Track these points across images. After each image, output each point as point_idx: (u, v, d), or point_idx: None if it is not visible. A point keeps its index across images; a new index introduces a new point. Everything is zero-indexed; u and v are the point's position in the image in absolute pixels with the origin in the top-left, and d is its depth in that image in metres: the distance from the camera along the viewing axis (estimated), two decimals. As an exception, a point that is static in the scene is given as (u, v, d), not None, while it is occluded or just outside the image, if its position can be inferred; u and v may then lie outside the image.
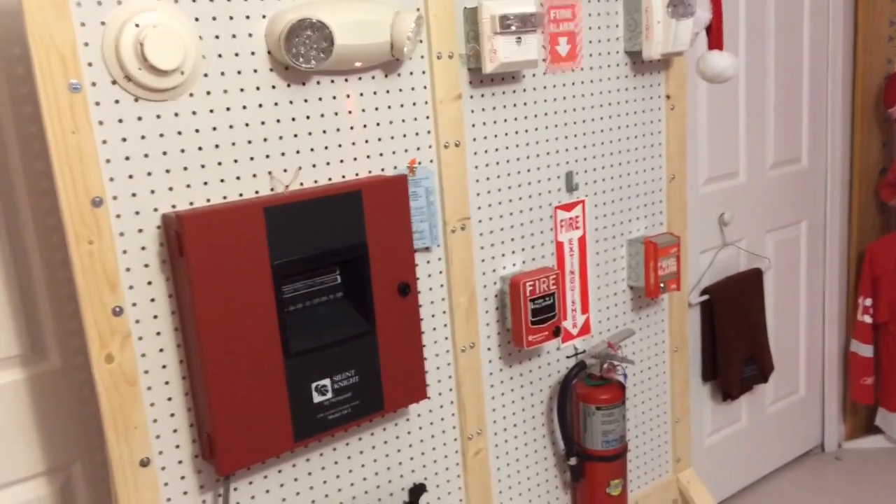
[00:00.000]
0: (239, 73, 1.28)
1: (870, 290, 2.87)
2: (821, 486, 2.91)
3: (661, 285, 1.83)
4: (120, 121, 1.18)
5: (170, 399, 1.28)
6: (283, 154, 1.34)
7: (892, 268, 2.84)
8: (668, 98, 1.88)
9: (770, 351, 2.70)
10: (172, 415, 1.28)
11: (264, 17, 1.29)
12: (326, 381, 1.36)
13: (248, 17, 1.27)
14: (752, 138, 2.59)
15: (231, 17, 1.26)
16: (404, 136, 1.48)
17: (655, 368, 2.00)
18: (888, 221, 3.02)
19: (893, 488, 2.85)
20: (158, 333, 1.25)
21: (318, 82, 1.36)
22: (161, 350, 1.26)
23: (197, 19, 1.22)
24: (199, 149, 1.25)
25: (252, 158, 1.31)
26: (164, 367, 1.26)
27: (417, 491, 1.59)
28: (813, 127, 2.79)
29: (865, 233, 2.96)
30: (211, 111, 1.26)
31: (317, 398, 1.35)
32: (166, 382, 1.27)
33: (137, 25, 1.16)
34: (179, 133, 1.23)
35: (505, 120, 1.62)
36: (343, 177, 1.41)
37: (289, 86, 1.33)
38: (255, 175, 1.31)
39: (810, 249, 2.89)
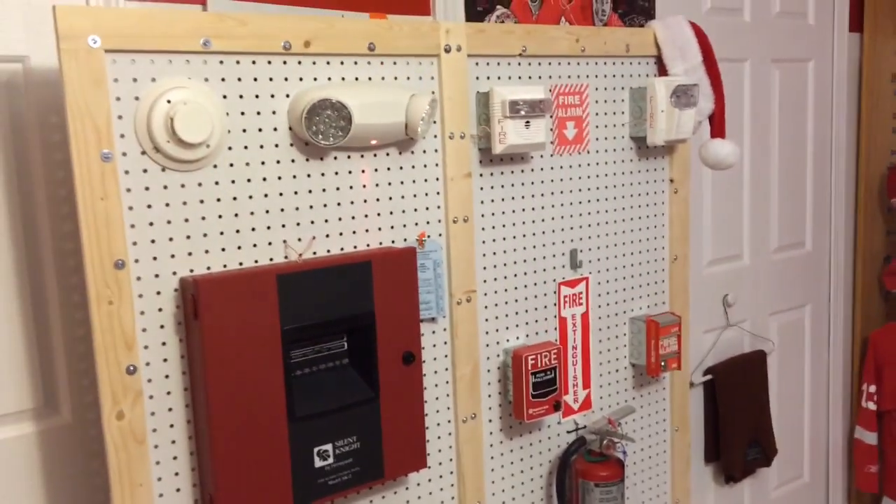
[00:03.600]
0: (261, 147, 1.35)
1: (873, 376, 2.88)
2: (825, 576, 2.87)
3: (662, 364, 1.86)
4: (147, 189, 1.25)
5: (175, 458, 1.31)
6: (298, 224, 1.40)
7: (897, 355, 2.86)
8: (672, 182, 1.94)
9: (773, 434, 2.69)
10: (177, 473, 1.32)
11: (288, 96, 1.37)
12: (328, 446, 1.39)
13: (272, 96, 1.35)
14: (757, 221, 2.65)
15: (257, 96, 1.34)
16: (415, 210, 1.54)
17: (656, 447, 2.01)
18: (892, 309, 3.05)
19: (899, 581, 2.81)
20: (168, 393, 1.30)
21: (336, 157, 1.43)
22: (170, 409, 1.30)
23: (225, 97, 1.31)
24: (220, 217, 1.32)
25: (269, 227, 1.37)
26: (171, 426, 1.30)
27: (414, 561, 1.59)
28: (817, 212, 2.85)
29: (869, 319, 2.98)
30: (233, 181, 1.33)
31: (318, 462, 1.38)
32: (173, 441, 1.31)
33: (169, 101, 1.24)
34: (202, 201, 1.30)
35: (513, 198, 1.68)
36: (355, 247, 1.47)
37: (307, 160, 1.40)
38: (270, 243, 1.37)
39: (814, 333, 2.91)
